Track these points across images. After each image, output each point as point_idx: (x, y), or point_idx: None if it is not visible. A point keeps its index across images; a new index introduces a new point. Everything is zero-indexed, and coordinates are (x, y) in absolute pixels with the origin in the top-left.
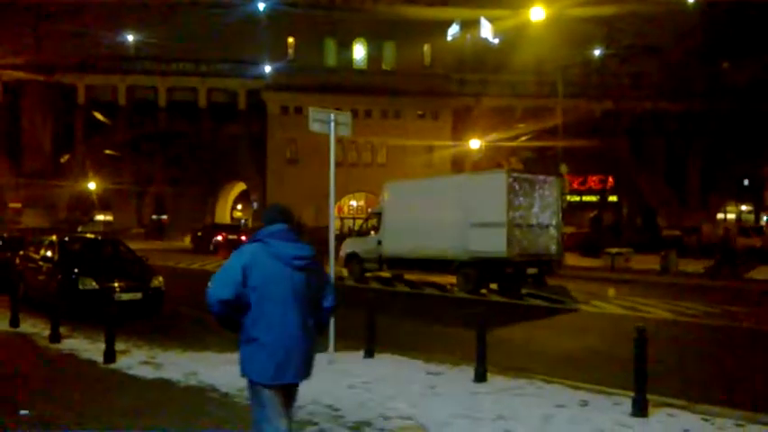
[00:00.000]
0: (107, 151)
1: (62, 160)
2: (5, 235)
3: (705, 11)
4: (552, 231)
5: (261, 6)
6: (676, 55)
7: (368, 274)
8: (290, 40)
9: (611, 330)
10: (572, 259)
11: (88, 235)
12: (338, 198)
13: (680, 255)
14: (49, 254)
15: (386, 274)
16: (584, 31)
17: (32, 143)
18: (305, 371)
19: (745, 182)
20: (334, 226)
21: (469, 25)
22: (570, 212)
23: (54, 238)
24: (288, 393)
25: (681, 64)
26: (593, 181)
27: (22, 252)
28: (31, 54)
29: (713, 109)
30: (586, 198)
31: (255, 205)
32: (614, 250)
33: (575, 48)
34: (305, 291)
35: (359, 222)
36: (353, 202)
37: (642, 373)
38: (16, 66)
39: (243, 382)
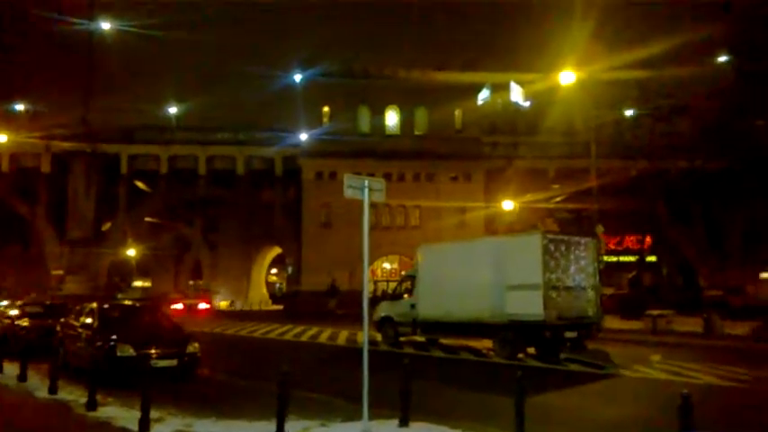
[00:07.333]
0: (147, 218)
1: (103, 228)
2: (48, 302)
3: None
4: (590, 293)
5: (297, 78)
6: (711, 114)
7: (402, 339)
8: (325, 108)
9: (655, 396)
10: (612, 322)
11: (126, 302)
12: (371, 261)
13: (723, 316)
14: (88, 321)
15: (420, 339)
16: (615, 92)
17: (76, 211)
18: None
19: None
20: (367, 290)
21: (499, 89)
22: (608, 273)
23: (94, 305)
24: None
25: (715, 123)
26: (631, 241)
27: (63, 319)
28: (79, 126)
29: (751, 167)
30: (624, 258)
31: (290, 269)
32: (656, 312)
33: (606, 108)
34: None
35: (392, 285)
36: (387, 265)
37: None
38: (64, 137)
39: None
